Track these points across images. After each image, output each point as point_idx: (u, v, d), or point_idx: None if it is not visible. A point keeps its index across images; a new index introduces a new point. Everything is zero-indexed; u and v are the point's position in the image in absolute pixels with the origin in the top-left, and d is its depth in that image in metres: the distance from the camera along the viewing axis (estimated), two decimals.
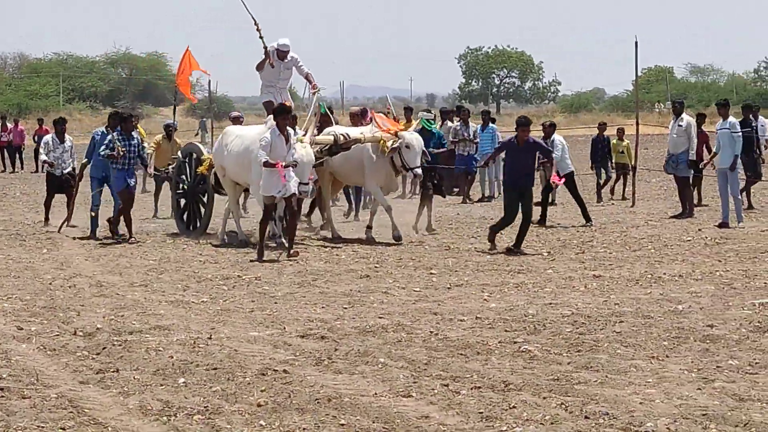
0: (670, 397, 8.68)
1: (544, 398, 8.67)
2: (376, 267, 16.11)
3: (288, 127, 17.53)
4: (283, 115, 17.33)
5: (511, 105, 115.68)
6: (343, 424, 8.04)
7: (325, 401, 8.68)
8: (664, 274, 14.96)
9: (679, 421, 7.98)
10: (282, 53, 20.20)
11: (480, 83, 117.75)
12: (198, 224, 20.31)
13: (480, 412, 8.29)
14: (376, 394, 8.89)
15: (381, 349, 10.55)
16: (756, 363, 9.77)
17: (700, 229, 17.48)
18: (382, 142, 19.25)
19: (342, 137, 19.14)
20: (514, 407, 8.40)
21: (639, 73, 28.67)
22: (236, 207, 19.93)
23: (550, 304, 12.91)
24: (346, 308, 12.86)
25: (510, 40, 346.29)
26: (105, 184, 20.36)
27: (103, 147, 19.38)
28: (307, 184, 17.86)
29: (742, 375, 9.38)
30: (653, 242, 18.41)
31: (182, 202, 20.93)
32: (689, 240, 17.78)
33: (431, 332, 11.30)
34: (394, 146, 19.07)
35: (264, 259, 16.83)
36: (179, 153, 21.59)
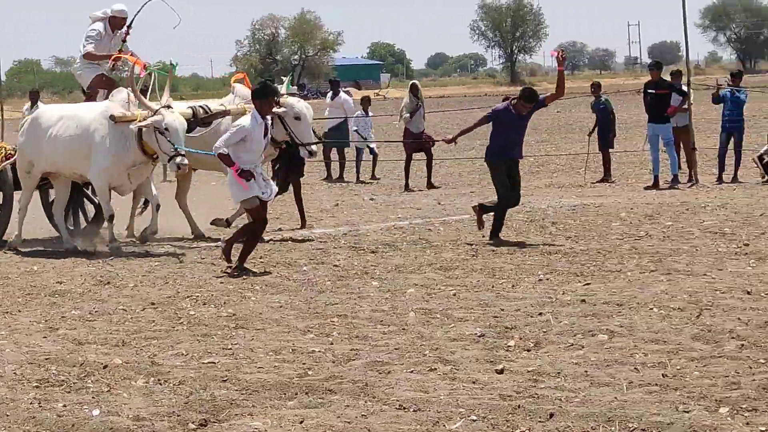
0: (20, 346, 8.73)
1: None
2: None
3: (268, 115, 12.33)
4: (270, 98, 12.16)
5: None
6: None
7: None
8: None
9: (24, 366, 8.05)
10: (120, 21, 15.02)
11: None
12: None
13: None
14: None
15: None
16: (95, 311, 10.01)
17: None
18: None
19: (202, 110, 14.29)
20: None
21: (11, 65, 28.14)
22: (26, 209, 14.51)
23: None
24: None
25: None
26: None
27: None
28: (183, 155, 13.18)
29: (82, 322, 9.58)
30: None
31: None
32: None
33: None
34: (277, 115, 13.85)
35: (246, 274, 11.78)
36: None
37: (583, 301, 9.77)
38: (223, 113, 14.21)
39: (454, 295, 10.34)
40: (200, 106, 14.31)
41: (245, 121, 11.92)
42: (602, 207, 16.72)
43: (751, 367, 7.34)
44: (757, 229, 13.89)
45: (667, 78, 21.07)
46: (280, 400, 7.02)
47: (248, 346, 8.50)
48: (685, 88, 20.78)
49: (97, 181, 13.81)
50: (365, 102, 24.25)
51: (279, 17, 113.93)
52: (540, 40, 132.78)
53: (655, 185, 19.67)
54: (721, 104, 20.74)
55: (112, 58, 14.81)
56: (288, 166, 15.18)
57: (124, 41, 14.97)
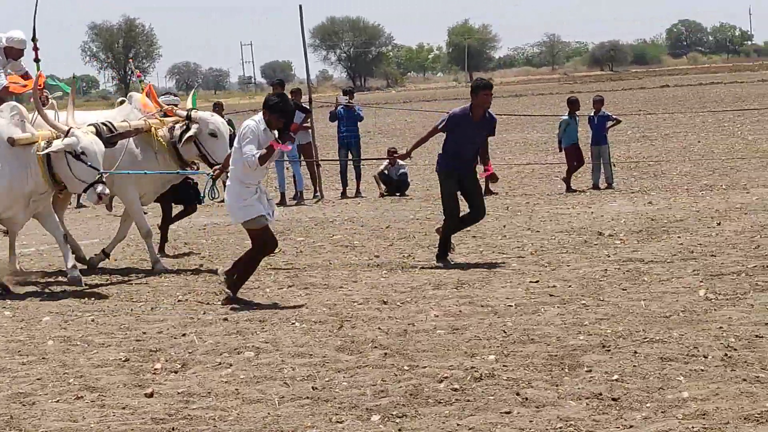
0: None
1: None
2: None
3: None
4: (281, 114, 10.42)
5: None
6: None
7: None
8: None
9: None
10: (17, 52, 12.81)
11: None
12: None
13: None
14: None
15: None
16: None
17: None
18: (153, 130, 12.80)
19: (106, 128, 12.04)
20: None
21: None
22: None
23: None
24: None
25: None
26: None
27: None
28: (105, 183, 11.40)
29: None
30: None
31: None
32: None
33: None
34: (188, 134, 12.72)
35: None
36: None
37: (226, 319, 9.83)
38: (136, 131, 12.54)
39: (93, 320, 10.12)
40: (103, 124, 12.12)
41: (251, 123, 10.42)
42: (233, 226, 16.85)
43: (396, 375, 7.63)
44: (385, 241, 14.47)
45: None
46: None
47: None
48: (307, 105, 21.34)
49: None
50: None
51: None
52: (154, 60, 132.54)
53: (282, 202, 20.04)
54: (337, 121, 21.46)
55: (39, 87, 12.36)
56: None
57: (38, 60, 12.94)
